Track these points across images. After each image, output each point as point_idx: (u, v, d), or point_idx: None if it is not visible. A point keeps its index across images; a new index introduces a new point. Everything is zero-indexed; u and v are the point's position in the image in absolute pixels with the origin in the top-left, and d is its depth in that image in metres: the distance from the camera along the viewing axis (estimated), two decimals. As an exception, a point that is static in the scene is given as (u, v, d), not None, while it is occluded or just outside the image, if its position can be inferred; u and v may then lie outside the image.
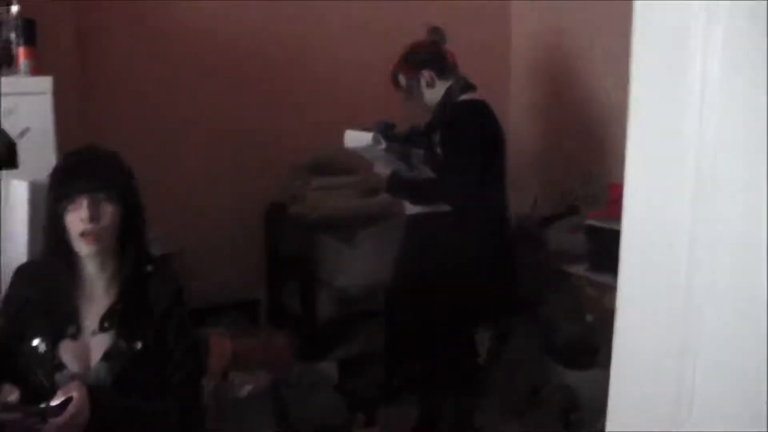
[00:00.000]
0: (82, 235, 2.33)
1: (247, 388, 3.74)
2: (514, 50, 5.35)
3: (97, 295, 2.43)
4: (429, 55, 3.80)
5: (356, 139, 3.67)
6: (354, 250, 4.39)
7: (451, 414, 3.92)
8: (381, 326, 4.42)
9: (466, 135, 3.66)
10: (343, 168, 4.51)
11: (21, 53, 2.96)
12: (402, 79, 3.85)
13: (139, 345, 2.39)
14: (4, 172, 2.88)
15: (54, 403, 2.21)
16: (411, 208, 3.85)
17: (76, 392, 2.21)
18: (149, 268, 2.49)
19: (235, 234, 4.67)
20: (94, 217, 2.31)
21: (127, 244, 2.42)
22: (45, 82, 2.93)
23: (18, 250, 2.89)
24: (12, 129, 2.89)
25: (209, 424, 3.19)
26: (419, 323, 3.89)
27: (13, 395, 2.24)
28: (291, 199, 4.58)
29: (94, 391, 2.25)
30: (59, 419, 2.18)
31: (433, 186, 3.69)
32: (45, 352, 2.36)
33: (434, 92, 3.80)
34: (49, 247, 2.43)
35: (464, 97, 3.76)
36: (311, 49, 4.77)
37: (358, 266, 4.36)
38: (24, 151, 2.90)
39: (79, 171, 2.36)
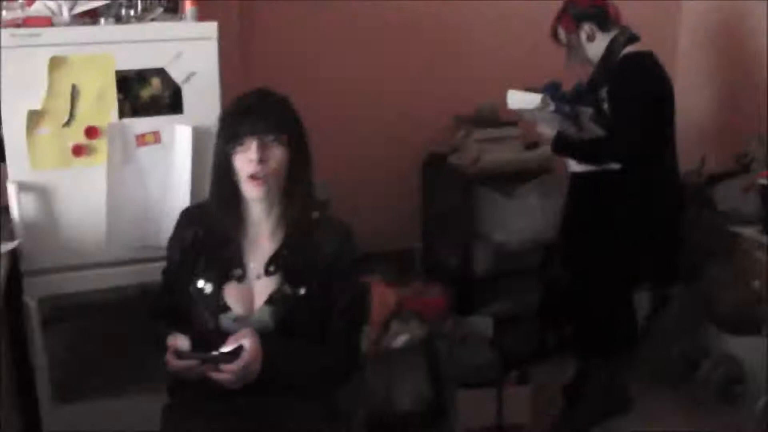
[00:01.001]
0: (250, 177, 2.33)
1: (402, 338, 3.73)
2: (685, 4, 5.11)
3: (261, 239, 2.44)
4: (590, 7, 3.65)
5: (522, 100, 3.56)
6: (514, 204, 4.29)
7: (605, 378, 3.84)
8: (537, 283, 4.38)
9: (635, 89, 3.51)
10: (506, 120, 4.40)
11: (187, -1, 2.98)
12: (562, 34, 3.74)
13: (303, 290, 2.39)
14: (168, 117, 2.93)
15: (225, 350, 2.23)
16: (574, 166, 3.74)
17: (247, 340, 2.23)
18: (315, 214, 2.48)
19: (393, 182, 4.65)
20: (263, 159, 2.31)
21: (293, 188, 2.40)
22: (211, 28, 2.96)
23: (181, 194, 2.95)
24: (177, 74, 2.93)
25: (366, 372, 3.20)
26: (579, 282, 3.82)
27: (183, 342, 2.26)
28: (452, 149, 4.52)
29: (263, 338, 2.26)
30: (233, 367, 2.20)
31: (603, 145, 3.55)
32: (211, 293, 2.38)
33: (595, 46, 3.66)
34: (217, 189, 2.43)
35: (629, 49, 3.61)
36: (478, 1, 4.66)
37: (517, 221, 4.27)
38: (189, 96, 2.95)
39: (249, 113, 2.35)
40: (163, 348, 2.35)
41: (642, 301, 4.06)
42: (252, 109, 2.36)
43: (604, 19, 3.64)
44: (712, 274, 4.00)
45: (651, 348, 4.11)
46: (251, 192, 2.36)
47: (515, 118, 4.29)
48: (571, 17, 3.68)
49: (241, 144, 2.32)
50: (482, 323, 4.05)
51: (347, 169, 4.42)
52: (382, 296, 3.68)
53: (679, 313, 4.19)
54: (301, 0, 4.37)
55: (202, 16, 3.02)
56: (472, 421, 3.68)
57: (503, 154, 4.38)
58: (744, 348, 3.87)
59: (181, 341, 2.27)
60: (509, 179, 4.38)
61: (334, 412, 2.47)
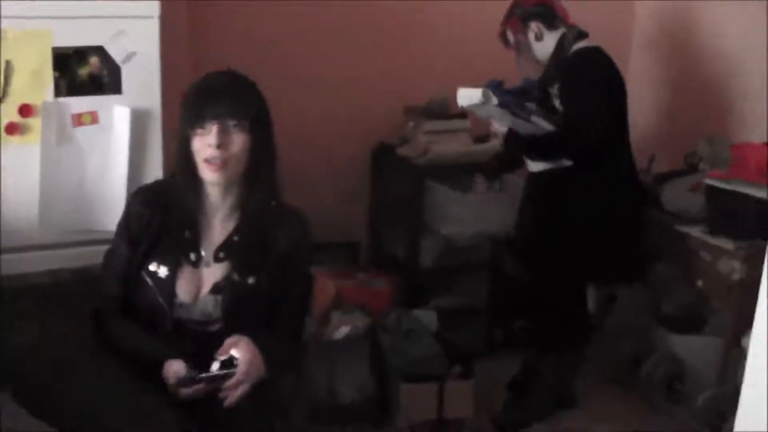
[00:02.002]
0: (207, 161, 2.28)
1: (344, 330, 3.70)
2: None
3: (215, 225, 2.40)
4: (535, 6, 3.68)
5: (467, 96, 3.54)
6: (462, 197, 4.27)
7: (551, 374, 3.83)
8: (484, 278, 4.37)
9: (588, 82, 3.54)
10: (456, 113, 4.36)
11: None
12: (510, 36, 3.76)
13: (252, 279, 2.35)
14: (107, 97, 2.85)
15: (218, 361, 2.21)
16: (534, 166, 3.75)
17: (239, 349, 2.21)
18: (274, 203, 2.43)
19: (341, 171, 4.61)
20: (222, 144, 2.26)
21: (253, 175, 2.36)
22: (152, 7, 2.89)
23: (118, 176, 2.88)
24: (118, 53, 2.85)
25: (306, 364, 3.17)
26: (534, 278, 3.83)
27: (179, 366, 2.21)
28: (401, 140, 4.48)
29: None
30: (234, 381, 2.19)
31: (555, 140, 3.56)
32: (166, 277, 2.33)
33: (544, 45, 3.69)
34: (178, 169, 2.38)
35: (579, 45, 3.63)
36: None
37: (465, 214, 4.24)
38: (128, 76, 2.87)
39: (213, 95, 2.31)
40: (114, 345, 2.31)
41: (590, 298, 4.05)
42: (216, 92, 2.32)
43: (550, 18, 3.66)
44: (659, 273, 4.01)
45: (599, 345, 4.11)
46: (207, 175, 2.31)
47: (465, 111, 4.27)
48: (517, 17, 3.71)
49: (202, 127, 2.27)
50: (427, 316, 4.02)
51: (294, 156, 4.31)
52: (322, 287, 3.65)
53: (627, 311, 4.19)
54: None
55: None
56: (415, 415, 3.66)
57: (452, 146, 4.34)
58: (686, 346, 3.90)
59: (177, 365, 2.21)
60: (458, 172, 4.35)
61: (275, 402, 2.43)
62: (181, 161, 2.36)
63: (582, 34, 3.65)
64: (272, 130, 2.42)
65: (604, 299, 4.27)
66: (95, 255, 2.50)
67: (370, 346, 3.76)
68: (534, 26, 3.66)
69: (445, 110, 4.42)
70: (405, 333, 3.82)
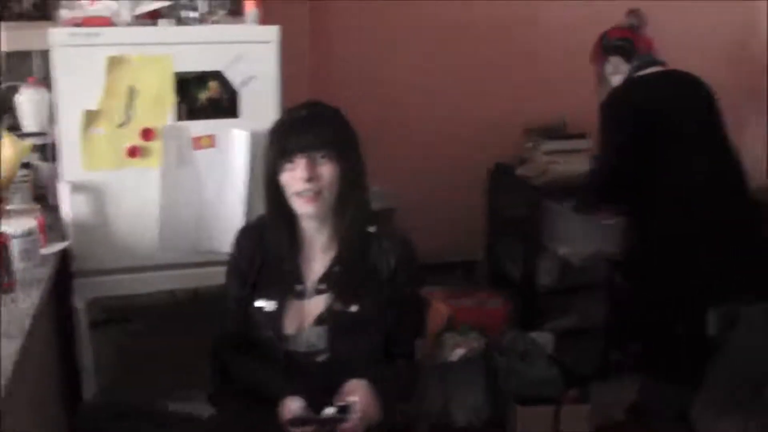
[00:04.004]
0: (299, 194, 2.26)
1: (459, 351, 3.68)
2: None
3: (315, 256, 2.38)
4: (619, 40, 3.67)
5: None
6: (580, 217, 4.21)
7: (669, 400, 3.72)
8: (600, 299, 4.30)
9: (603, 128, 3.61)
10: (575, 132, 4.36)
11: (247, 2, 2.95)
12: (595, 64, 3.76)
13: (355, 307, 2.32)
14: (225, 120, 2.90)
15: (335, 407, 2.18)
16: None
17: (356, 396, 2.19)
18: (372, 228, 2.40)
19: (459, 192, 4.60)
20: (311, 177, 2.23)
21: (344, 204, 2.32)
22: (272, 32, 2.93)
23: (236, 199, 2.92)
24: (236, 78, 2.89)
25: (420, 386, 3.17)
26: (646, 299, 3.72)
27: (295, 404, 2.20)
28: (519, 160, 4.46)
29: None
30: (351, 425, 2.16)
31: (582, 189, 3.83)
32: (273, 311, 2.33)
33: (619, 80, 3.66)
34: (269, 205, 2.37)
35: (638, 74, 3.60)
36: (546, 9, 4.61)
37: (582, 235, 4.18)
38: (246, 100, 2.91)
39: (298, 128, 2.28)
40: (228, 378, 2.37)
41: (710, 320, 3.92)
42: (301, 125, 2.29)
43: (630, 53, 3.65)
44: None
45: (719, 370, 3.97)
46: (301, 208, 2.29)
47: (585, 131, 4.28)
48: (601, 48, 3.72)
49: (291, 161, 2.25)
50: (543, 338, 3.98)
51: (412, 177, 4.39)
52: (435, 309, 3.65)
53: (750, 334, 4.04)
54: (372, 1, 4.33)
55: (271, 18, 2.99)
56: (530, 437, 3.62)
57: (571, 166, 4.27)
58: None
59: (294, 404, 2.20)
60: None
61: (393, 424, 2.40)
62: (270, 198, 2.34)
63: (648, 64, 3.60)
64: (361, 155, 2.37)
65: (724, 321, 4.12)
66: (211, 276, 2.53)
67: (485, 367, 3.74)
68: (613, 60, 3.66)
69: (563, 129, 4.40)
70: (521, 354, 3.79)
